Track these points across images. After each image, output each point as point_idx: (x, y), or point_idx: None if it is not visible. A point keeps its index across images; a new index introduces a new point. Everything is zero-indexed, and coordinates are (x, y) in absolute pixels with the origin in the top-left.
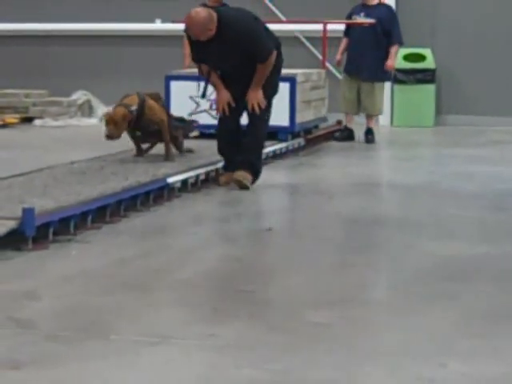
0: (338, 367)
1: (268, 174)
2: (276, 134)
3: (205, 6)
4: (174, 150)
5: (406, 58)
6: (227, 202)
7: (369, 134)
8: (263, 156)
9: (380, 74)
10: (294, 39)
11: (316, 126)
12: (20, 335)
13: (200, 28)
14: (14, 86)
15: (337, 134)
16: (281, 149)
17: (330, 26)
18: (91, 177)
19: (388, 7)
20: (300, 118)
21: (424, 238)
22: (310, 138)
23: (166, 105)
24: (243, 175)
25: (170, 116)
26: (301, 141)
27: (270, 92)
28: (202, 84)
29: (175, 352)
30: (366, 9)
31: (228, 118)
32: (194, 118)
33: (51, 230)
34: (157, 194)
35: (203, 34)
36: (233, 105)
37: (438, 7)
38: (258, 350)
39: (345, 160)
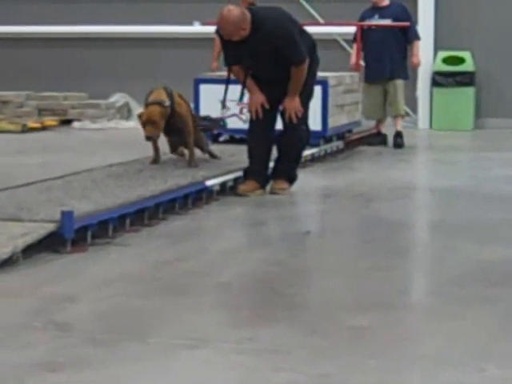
0: (376, 372)
1: (306, 177)
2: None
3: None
4: (198, 151)
5: (445, 60)
6: (265, 205)
7: (398, 137)
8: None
9: (401, 72)
10: (332, 42)
11: (349, 131)
12: (59, 338)
13: (232, 27)
14: (52, 89)
15: (370, 140)
16: (319, 152)
17: None
18: (130, 180)
19: (401, 5)
20: (333, 123)
21: (463, 242)
22: (349, 140)
23: (195, 108)
24: (280, 186)
25: (194, 116)
26: (339, 144)
27: (306, 99)
28: (239, 88)
29: (213, 355)
30: (379, 10)
31: (261, 123)
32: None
33: (90, 233)
34: (195, 197)
35: (236, 34)
36: (266, 107)
37: (477, 10)
38: (296, 353)
39: (383, 163)
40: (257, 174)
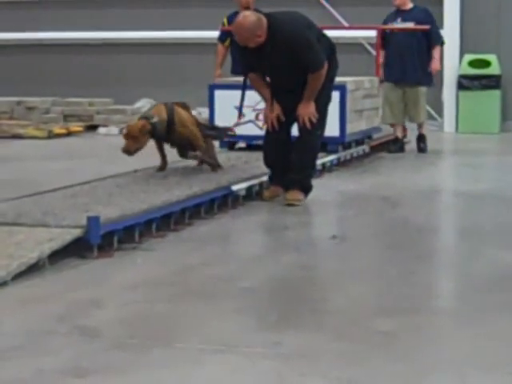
0: (404, 377)
1: (332, 181)
2: (325, 144)
3: (256, 10)
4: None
5: (471, 63)
6: (291, 210)
7: (421, 141)
8: (327, 163)
9: (425, 78)
10: (358, 46)
11: (369, 137)
12: (85, 343)
13: (248, 33)
14: (78, 95)
15: (390, 146)
16: (345, 156)
17: None
18: (155, 185)
19: (424, 9)
20: (351, 129)
21: (490, 246)
22: (374, 144)
23: (210, 114)
24: (294, 196)
25: (200, 125)
26: (366, 148)
27: (323, 104)
28: (253, 94)
29: (240, 360)
30: (402, 14)
31: (277, 132)
32: (238, 128)
33: (116, 238)
34: (221, 202)
35: (251, 41)
36: (282, 119)
37: (503, 13)
38: (324, 358)
39: (409, 167)
40: (280, 178)
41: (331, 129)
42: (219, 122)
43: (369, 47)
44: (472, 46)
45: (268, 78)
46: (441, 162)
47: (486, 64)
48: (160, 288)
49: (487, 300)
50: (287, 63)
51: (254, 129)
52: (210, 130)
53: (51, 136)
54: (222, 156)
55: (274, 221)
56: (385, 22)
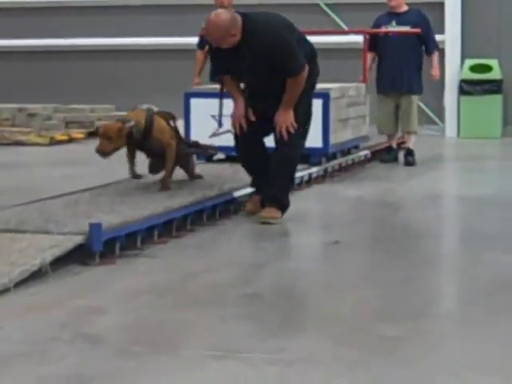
0: (407, 381)
1: (334, 187)
2: (307, 156)
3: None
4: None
5: (473, 68)
6: (294, 215)
7: (409, 155)
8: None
9: (419, 85)
10: (359, 51)
11: (356, 147)
12: (88, 350)
13: (221, 32)
14: (79, 102)
15: (383, 156)
16: (347, 161)
17: None
18: (157, 192)
19: (420, 12)
20: (335, 139)
21: (493, 251)
22: (375, 150)
23: (186, 124)
24: (270, 214)
25: (181, 140)
26: (367, 153)
27: (303, 113)
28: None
29: (244, 366)
30: (397, 16)
31: (248, 138)
32: (216, 139)
33: (118, 245)
34: (223, 209)
35: (225, 41)
36: (252, 118)
37: (504, 18)
38: (327, 364)
39: (411, 173)
40: (260, 186)
41: (313, 139)
42: (195, 131)
43: None
44: (473, 50)
45: (242, 83)
46: (442, 167)
47: (488, 69)
48: (163, 294)
49: (491, 304)
50: (264, 65)
51: (232, 139)
52: (192, 148)
53: (53, 143)
54: (220, 167)
55: (275, 227)
56: (377, 24)
